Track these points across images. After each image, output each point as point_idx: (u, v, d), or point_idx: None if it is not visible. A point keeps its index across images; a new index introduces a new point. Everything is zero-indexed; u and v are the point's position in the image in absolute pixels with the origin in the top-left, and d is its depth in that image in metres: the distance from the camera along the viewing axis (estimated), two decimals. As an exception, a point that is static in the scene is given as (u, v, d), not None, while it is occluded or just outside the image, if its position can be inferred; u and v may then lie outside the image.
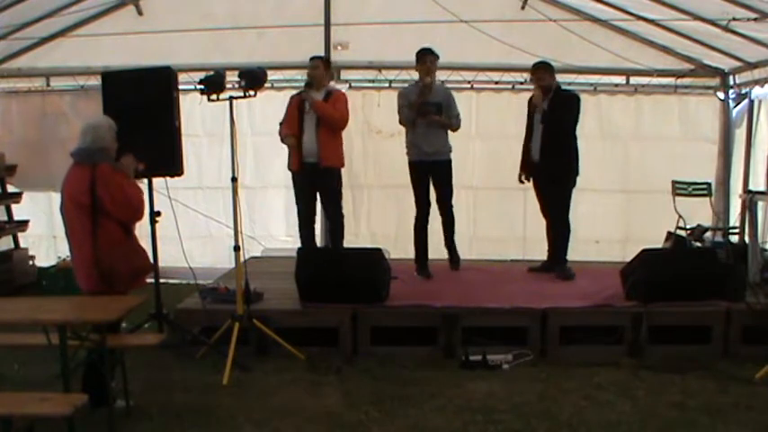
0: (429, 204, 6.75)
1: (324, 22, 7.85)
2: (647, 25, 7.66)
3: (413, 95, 6.58)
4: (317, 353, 5.47)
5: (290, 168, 6.69)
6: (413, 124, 6.55)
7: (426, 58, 6.53)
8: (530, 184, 6.84)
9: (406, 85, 7.10)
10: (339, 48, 8.07)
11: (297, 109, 6.56)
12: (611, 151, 8.24)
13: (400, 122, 6.71)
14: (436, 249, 6.98)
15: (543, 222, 6.89)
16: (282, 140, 6.65)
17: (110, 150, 4.50)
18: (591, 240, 7.59)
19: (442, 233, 6.91)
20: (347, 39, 8.05)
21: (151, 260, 4.88)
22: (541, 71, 6.54)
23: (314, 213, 6.83)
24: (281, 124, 6.70)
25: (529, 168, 6.72)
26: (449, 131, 6.69)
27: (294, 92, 6.95)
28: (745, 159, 8.12)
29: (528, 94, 6.81)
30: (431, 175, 6.68)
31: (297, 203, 6.78)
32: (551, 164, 6.52)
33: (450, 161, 6.73)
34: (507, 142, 7.46)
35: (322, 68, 6.66)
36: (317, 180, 6.59)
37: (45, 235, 8.49)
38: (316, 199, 6.76)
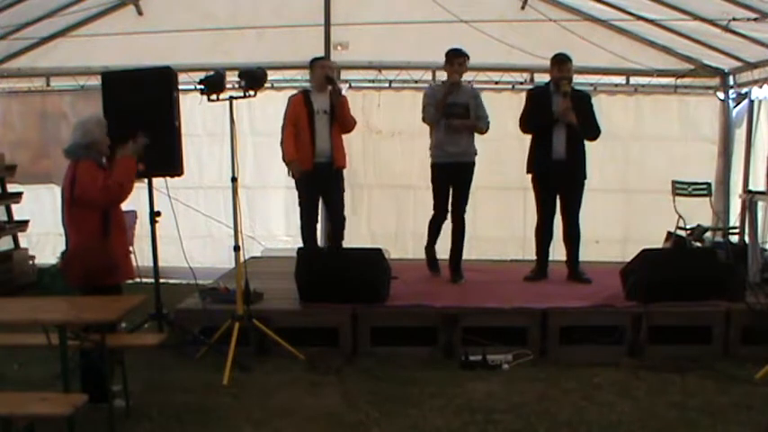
0: (447, 211, 6.57)
1: (324, 22, 7.83)
2: (647, 25, 7.66)
3: (439, 94, 6.42)
4: (317, 353, 5.47)
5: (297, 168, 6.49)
6: (437, 124, 6.40)
7: (454, 59, 6.37)
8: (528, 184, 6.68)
9: (405, 85, 7.05)
10: (339, 48, 8.05)
11: (305, 109, 6.39)
12: (611, 151, 8.21)
13: (423, 121, 6.52)
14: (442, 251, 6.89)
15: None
16: (284, 158, 6.44)
17: (99, 144, 4.53)
18: (591, 240, 7.57)
19: (449, 242, 6.68)
20: (347, 39, 8.04)
21: (132, 260, 4.95)
22: (570, 63, 6.37)
23: (318, 213, 6.75)
24: (284, 128, 6.46)
25: (543, 168, 6.45)
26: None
27: (293, 92, 6.86)
28: (745, 159, 8.12)
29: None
30: (453, 177, 6.51)
31: (301, 204, 6.60)
32: (580, 163, 6.45)
33: (473, 164, 6.55)
34: (507, 142, 7.46)
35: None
36: (326, 180, 6.48)
37: (50, 233, 8.48)
38: (319, 199, 6.70)
